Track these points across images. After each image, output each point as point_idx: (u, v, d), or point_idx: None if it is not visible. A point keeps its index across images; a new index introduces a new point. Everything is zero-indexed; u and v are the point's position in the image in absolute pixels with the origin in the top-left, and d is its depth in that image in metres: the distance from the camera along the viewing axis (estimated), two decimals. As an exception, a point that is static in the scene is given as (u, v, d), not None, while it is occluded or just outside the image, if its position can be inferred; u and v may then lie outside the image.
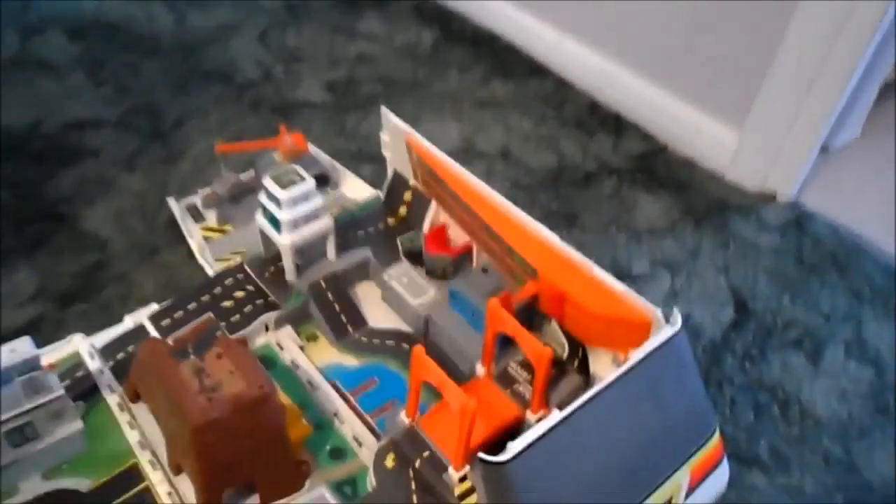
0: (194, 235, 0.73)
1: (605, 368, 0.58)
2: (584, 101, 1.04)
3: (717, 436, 0.54)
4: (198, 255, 0.71)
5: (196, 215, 0.77)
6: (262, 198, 0.64)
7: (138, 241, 0.78)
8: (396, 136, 0.70)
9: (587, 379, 0.58)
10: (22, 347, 0.49)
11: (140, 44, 1.10)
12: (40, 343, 0.64)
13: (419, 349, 0.50)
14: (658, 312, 0.51)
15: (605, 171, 0.92)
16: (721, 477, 0.54)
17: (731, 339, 0.71)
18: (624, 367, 0.47)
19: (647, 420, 0.49)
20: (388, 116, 0.69)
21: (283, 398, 0.54)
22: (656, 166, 0.93)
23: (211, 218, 0.76)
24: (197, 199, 0.77)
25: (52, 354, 0.59)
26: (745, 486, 0.58)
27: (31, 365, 0.50)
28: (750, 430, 0.64)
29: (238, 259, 0.69)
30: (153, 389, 0.52)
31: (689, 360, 0.51)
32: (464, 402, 0.48)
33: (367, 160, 0.90)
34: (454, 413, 0.49)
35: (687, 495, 0.52)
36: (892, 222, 0.86)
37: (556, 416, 0.44)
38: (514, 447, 0.42)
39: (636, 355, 0.48)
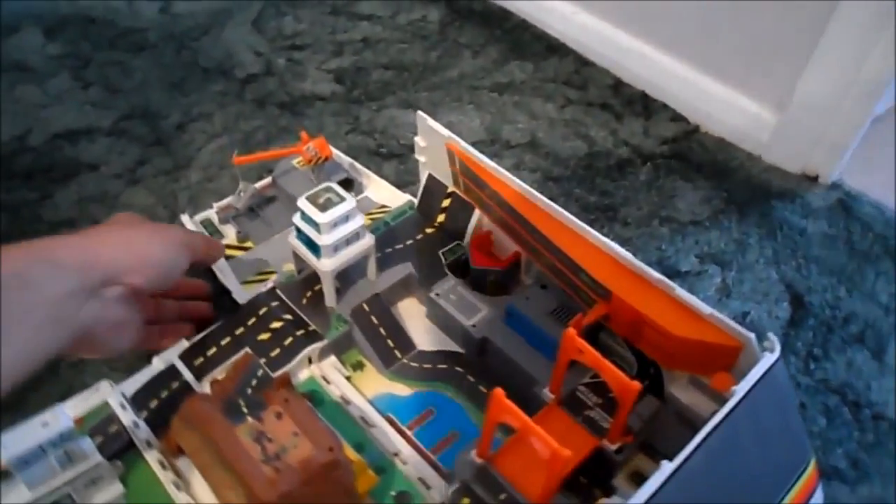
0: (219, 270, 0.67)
1: (681, 389, 0.54)
2: (608, 80, 0.98)
3: (812, 463, 0.50)
4: (222, 279, 0.66)
5: (212, 231, 0.71)
6: (297, 220, 0.59)
7: None
8: (434, 141, 0.64)
9: (662, 399, 0.55)
10: (56, 420, 0.44)
11: (125, 38, 1.02)
12: (63, 390, 0.60)
13: (499, 392, 0.46)
14: (753, 338, 0.47)
15: (639, 156, 0.87)
16: (818, 501, 0.51)
17: (791, 338, 0.67)
18: (728, 405, 0.43)
19: (749, 458, 0.45)
20: (426, 121, 0.64)
21: (347, 450, 0.50)
22: (691, 149, 0.89)
23: (230, 234, 0.71)
24: (212, 214, 0.72)
25: (79, 406, 0.54)
26: (828, 500, 0.55)
27: (67, 437, 0.45)
28: (825, 438, 0.60)
29: (269, 283, 0.64)
30: (203, 450, 0.47)
31: (787, 387, 0.48)
32: (555, 451, 0.44)
33: (387, 157, 0.85)
34: (543, 459, 0.45)
35: (788, 527, 0.48)
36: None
37: (666, 468, 0.40)
38: (628, 510, 0.38)
39: (739, 390, 0.44)
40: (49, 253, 0.46)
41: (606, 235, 0.52)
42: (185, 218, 0.72)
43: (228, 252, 0.68)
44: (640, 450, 0.55)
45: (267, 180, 0.75)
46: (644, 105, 0.95)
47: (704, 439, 0.42)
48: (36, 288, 0.44)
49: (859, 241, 0.77)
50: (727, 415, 0.43)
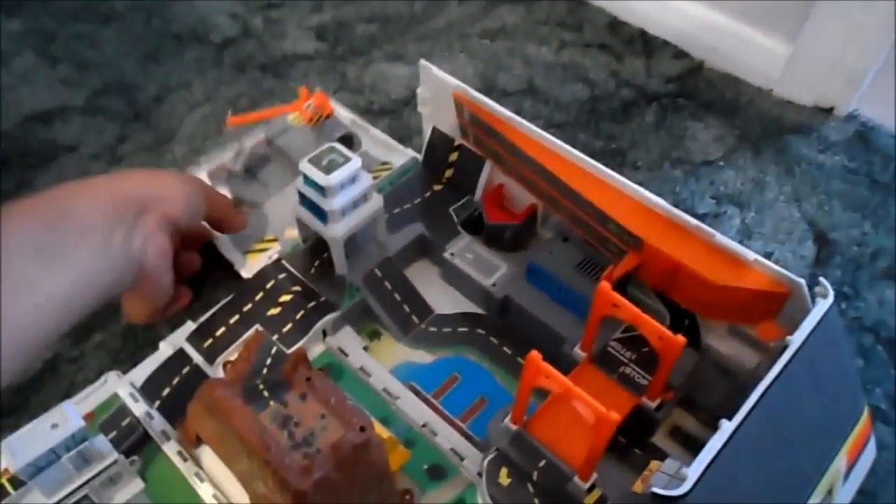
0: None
1: (720, 339, 0.51)
2: (603, 19, 0.93)
3: (866, 411, 0.48)
4: (222, 251, 0.62)
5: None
6: (301, 185, 0.54)
7: None
8: (440, 91, 0.60)
9: (699, 350, 0.52)
10: (65, 420, 0.41)
11: (90, 9, 0.95)
12: (65, 388, 0.56)
13: (535, 355, 0.43)
14: (803, 284, 0.44)
15: (643, 97, 0.83)
16: (870, 454, 0.49)
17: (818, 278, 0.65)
18: (785, 357, 0.40)
19: (808, 409, 0.43)
20: (430, 70, 0.59)
21: (377, 427, 0.47)
22: (697, 87, 0.85)
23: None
24: (202, 174, 0.66)
25: (87, 401, 0.51)
26: (875, 444, 0.53)
27: (80, 437, 0.41)
28: (864, 379, 0.59)
29: (273, 253, 0.60)
30: (225, 439, 0.44)
31: (841, 334, 0.45)
32: (602, 415, 0.41)
33: (378, 114, 0.80)
34: (583, 423, 0.42)
35: (844, 479, 0.46)
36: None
37: (726, 427, 0.38)
38: (692, 475, 0.36)
39: (795, 340, 0.41)
40: (78, 189, 0.47)
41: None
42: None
43: None
44: (678, 404, 0.52)
45: (258, 136, 0.69)
46: (644, 43, 0.90)
47: (764, 392, 0.39)
48: (76, 217, 0.45)
49: (880, 174, 0.74)
50: (784, 367, 0.40)
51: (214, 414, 0.43)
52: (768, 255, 0.67)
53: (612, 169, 0.72)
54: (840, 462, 0.45)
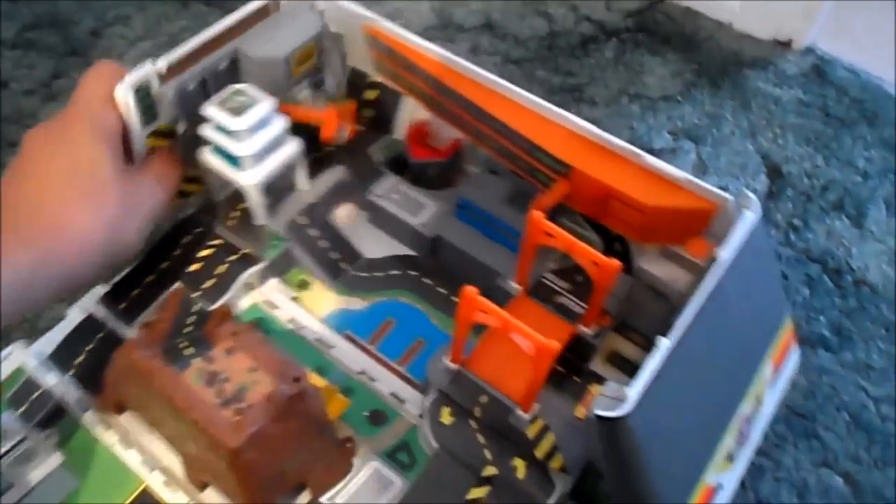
0: (137, 153, 0.51)
1: (652, 261, 0.52)
2: (563, -47, 0.91)
3: (789, 318, 0.49)
4: None
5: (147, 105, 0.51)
6: (208, 131, 0.51)
7: None
8: (350, 25, 0.57)
9: (633, 275, 0.52)
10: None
11: None
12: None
13: (470, 290, 0.42)
14: (731, 199, 0.44)
15: (602, 32, 0.82)
16: (793, 359, 0.51)
17: (770, 210, 0.67)
18: (718, 271, 0.41)
19: (737, 319, 0.43)
20: (339, 3, 0.56)
21: (311, 376, 0.45)
22: (657, 21, 0.84)
23: (165, 111, 0.52)
24: (151, 76, 0.50)
25: (-9, 376, 0.47)
26: (815, 369, 0.56)
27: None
28: (807, 307, 0.61)
29: (186, 209, 0.56)
30: (149, 403, 0.42)
31: (768, 243, 0.46)
32: (542, 345, 0.40)
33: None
34: (523, 355, 0.42)
35: (770, 387, 0.48)
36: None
37: (664, 345, 0.38)
38: (632, 395, 0.36)
39: (726, 255, 0.41)
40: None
41: (575, 116, 0.48)
42: (119, 91, 0.49)
43: (156, 143, 0.52)
44: (614, 329, 0.53)
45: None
46: (604, -23, 0.89)
47: (699, 309, 0.39)
48: None
49: (835, 107, 0.76)
50: (717, 281, 0.40)
51: (135, 378, 0.40)
52: (723, 190, 0.69)
53: (570, 105, 0.72)
54: (767, 369, 0.46)
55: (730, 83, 0.78)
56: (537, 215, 0.45)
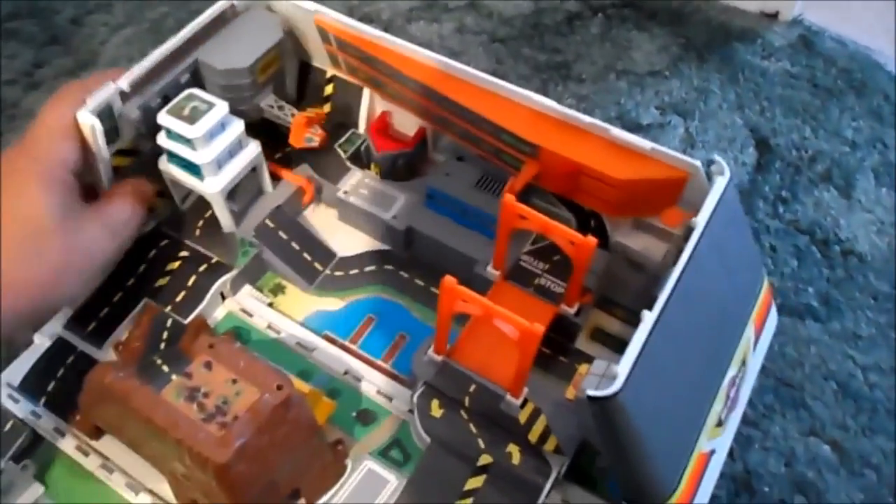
0: (104, 176, 0.50)
1: (627, 235, 0.51)
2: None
3: (766, 281, 0.49)
4: None
5: (109, 128, 0.49)
6: (163, 140, 0.49)
7: None
8: (302, 19, 0.55)
9: (609, 250, 0.52)
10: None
11: None
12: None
13: (450, 280, 0.41)
14: (699, 165, 0.44)
15: (588, 8, 0.81)
16: (773, 320, 0.51)
17: (758, 183, 0.67)
18: (693, 239, 0.40)
19: (717, 287, 0.43)
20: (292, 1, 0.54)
21: (295, 382, 0.44)
22: None
23: (129, 130, 0.51)
24: (114, 97, 0.48)
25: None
26: (803, 340, 0.56)
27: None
28: (795, 279, 0.61)
29: (150, 223, 0.54)
30: (128, 425, 0.40)
31: (739, 208, 0.46)
32: (526, 329, 0.40)
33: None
34: (507, 341, 0.41)
35: (753, 347, 0.48)
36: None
37: (648, 318, 0.37)
38: (622, 372, 0.35)
39: (700, 221, 0.41)
40: None
41: (561, 94, 0.48)
42: (80, 114, 0.47)
43: (120, 162, 0.51)
44: (596, 306, 0.52)
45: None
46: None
47: (678, 278, 0.39)
48: None
49: (822, 78, 0.76)
50: (694, 248, 0.40)
51: (111, 399, 0.39)
52: (710, 163, 0.69)
53: (557, 82, 0.71)
54: (749, 332, 0.46)
55: (717, 57, 0.78)
56: (509, 199, 0.45)
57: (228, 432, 0.36)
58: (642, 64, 0.77)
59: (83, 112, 0.45)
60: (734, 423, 0.46)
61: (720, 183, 0.43)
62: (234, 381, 0.38)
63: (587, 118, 0.46)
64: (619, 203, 0.48)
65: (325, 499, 0.43)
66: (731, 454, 0.52)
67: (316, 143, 0.55)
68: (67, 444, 0.45)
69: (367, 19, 0.51)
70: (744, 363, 0.46)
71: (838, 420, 0.55)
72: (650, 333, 0.37)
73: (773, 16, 0.82)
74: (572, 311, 0.49)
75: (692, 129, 0.71)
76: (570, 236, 0.44)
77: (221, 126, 0.49)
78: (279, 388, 0.38)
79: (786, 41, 0.81)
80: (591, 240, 0.43)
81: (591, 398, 0.35)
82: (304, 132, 0.54)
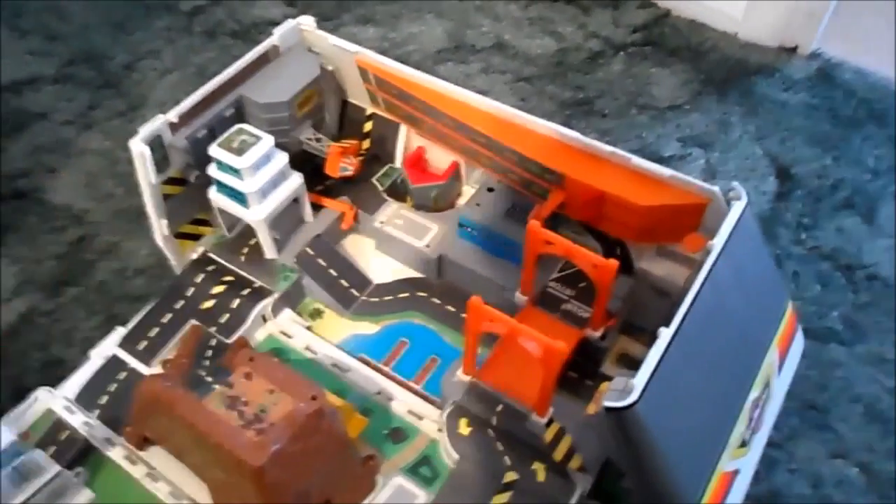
0: (153, 202, 0.54)
1: (651, 261, 0.53)
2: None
3: (790, 304, 0.50)
4: (158, 240, 0.56)
5: (160, 159, 0.53)
6: (214, 171, 0.53)
7: (120, 206, 0.69)
8: (342, 59, 0.59)
9: (633, 276, 0.53)
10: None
11: None
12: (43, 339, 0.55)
13: (476, 300, 0.43)
14: (717, 191, 0.46)
15: (610, 47, 0.85)
16: (799, 344, 0.51)
17: (780, 211, 0.68)
18: (710, 259, 0.42)
19: (737, 306, 0.44)
20: (327, 40, 0.58)
21: (329, 396, 0.46)
22: (663, 35, 0.87)
23: (177, 159, 0.55)
24: (163, 128, 0.53)
25: (18, 421, 0.48)
26: (827, 363, 0.56)
27: (13, 452, 0.40)
28: (819, 303, 0.61)
29: (198, 249, 0.58)
30: (170, 432, 0.43)
31: (758, 234, 0.47)
32: (548, 346, 0.42)
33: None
34: (526, 351, 0.43)
35: (778, 371, 0.48)
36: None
37: (665, 334, 0.39)
38: (638, 384, 0.37)
39: (718, 241, 0.43)
40: None
41: (584, 130, 0.50)
42: (133, 143, 0.51)
43: (169, 190, 0.55)
44: (621, 332, 0.54)
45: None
46: (611, -5, 0.92)
47: (696, 297, 0.40)
48: None
49: (843, 108, 0.77)
50: (711, 269, 0.41)
51: (158, 409, 0.42)
52: (729, 191, 0.70)
53: (580, 118, 0.74)
54: (773, 355, 0.47)
55: (736, 90, 0.80)
56: (534, 225, 0.47)
57: (265, 438, 0.38)
58: (663, 99, 0.79)
59: (135, 140, 0.50)
60: (759, 445, 0.46)
61: (737, 207, 0.44)
62: (272, 392, 0.41)
63: (609, 147, 0.49)
64: (642, 229, 0.50)
65: (355, 512, 0.45)
66: (756, 476, 0.52)
67: (351, 171, 0.58)
68: (117, 454, 0.47)
69: (398, 62, 0.55)
70: (767, 385, 0.47)
71: (865, 443, 0.54)
72: (667, 349, 0.38)
73: (792, 50, 0.84)
74: (598, 334, 0.50)
75: (713, 160, 0.72)
76: (592, 260, 0.46)
77: (267, 158, 0.53)
78: (314, 398, 0.40)
79: (805, 74, 0.82)
80: (613, 262, 0.45)
81: (608, 409, 0.37)
82: (339, 162, 0.57)
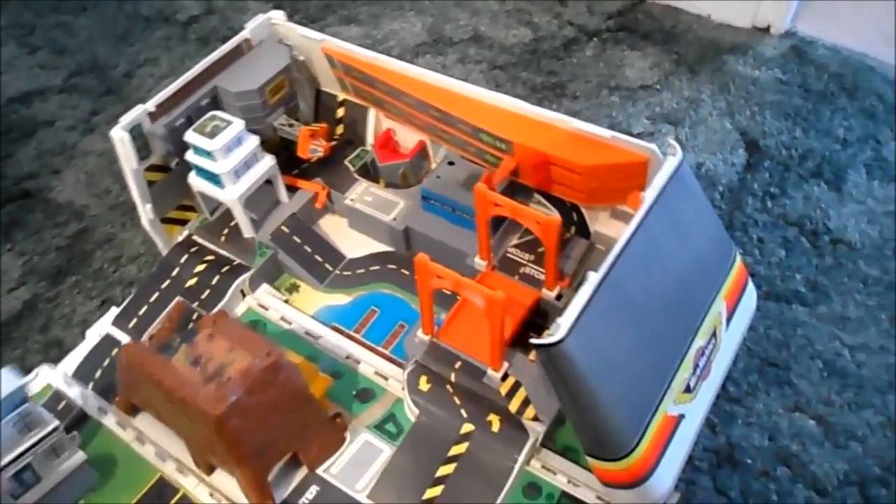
0: (136, 187, 0.57)
1: (605, 224, 0.55)
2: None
3: (738, 259, 0.52)
4: (144, 224, 0.60)
5: (140, 145, 0.57)
6: (190, 156, 0.57)
7: (116, 201, 0.75)
8: (312, 50, 0.62)
9: (590, 239, 0.56)
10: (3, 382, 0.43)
11: (67, 1, 1.02)
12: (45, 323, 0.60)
13: (422, 257, 0.46)
14: (655, 148, 0.47)
15: (584, 34, 0.87)
16: (750, 299, 0.53)
17: (747, 181, 0.70)
18: (642, 208, 0.44)
19: (676, 256, 0.46)
20: (296, 30, 0.62)
21: (293, 356, 0.49)
22: (637, 20, 0.89)
23: (158, 147, 0.59)
24: (143, 117, 0.56)
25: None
26: (789, 322, 0.57)
27: (17, 399, 0.44)
28: (783, 267, 0.63)
29: (184, 232, 0.62)
30: (151, 395, 0.46)
31: (697, 188, 0.49)
32: (489, 297, 0.44)
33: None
34: (481, 310, 0.45)
35: (726, 323, 0.50)
36: (894, 34, 0.84)
37: (593, 278, 0.41)
38: (564, 322, 0.39)
39: (650, 193, 0.45)
40: None
41: (556, 111, 0.52)
42: (113, 132, 0.55)
43: (152, 177, 0.59)
44: (575, 291, 0.55)
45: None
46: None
47: (626, 244, 0.42)
48: None
49: (814, 83, 0.79)
50: (643, 217, 0.43)
51: (136, 372, 0.45)
52: (699, 166, 0.71)
53: (552, 100, 0.77)
54: (720, 306, 0.49)
55: (708, 69, 0.82)
56: (481, 187, 0.49)
57: (224, 390, 0.42)
58: (634, 80, 0.80)
59: (116, 129, 0.54)
60: (707, 393, 0.48)
61: (671, 161, 0.46)
62: (232, 350, 0.44)
63: (554, 113, 0.51)
64: (590, 190, 0.52)
65: (325, 466, 0.48)
66: (713, 429, 0.53)
67: (321, 153, 0.61)
68: (108, 420, 0.51)
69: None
70: (714, 335, 0.49)
71: (823, 396, 0.55)
72: (596, 291, 0.40)
73: (765, 30, 0.84)
74: (553, 294, 0.53)
75: (682, 135, 0.74)
76: (535, 217, 0.48)
77: (238, 140, 0.56)
78: (268, 354, 0.43)
79: (777, 52, 0.83)
80: (554, 218, 0.47)
81: (537, 347, 0.39)
82: (309, 143, 0.60)
